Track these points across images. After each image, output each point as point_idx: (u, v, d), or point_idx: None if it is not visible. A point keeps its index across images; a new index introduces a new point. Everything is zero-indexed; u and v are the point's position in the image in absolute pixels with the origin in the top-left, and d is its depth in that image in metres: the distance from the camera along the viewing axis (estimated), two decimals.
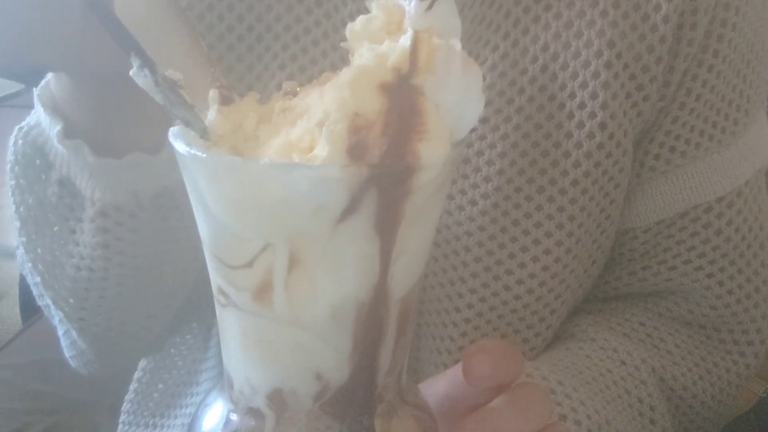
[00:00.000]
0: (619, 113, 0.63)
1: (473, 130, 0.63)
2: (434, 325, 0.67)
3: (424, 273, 0.63)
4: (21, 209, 0.65)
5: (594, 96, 0.62)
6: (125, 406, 0.85)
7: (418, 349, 0.69)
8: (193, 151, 0.38)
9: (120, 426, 0.84)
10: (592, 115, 0.63)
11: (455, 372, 0.46)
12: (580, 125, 0.63)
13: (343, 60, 0.40)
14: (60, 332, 0.75)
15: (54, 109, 0.60)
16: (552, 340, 0.70)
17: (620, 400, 0.64)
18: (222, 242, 0.40)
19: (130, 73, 0.38)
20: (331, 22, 0.66)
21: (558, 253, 0.65)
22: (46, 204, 0.64)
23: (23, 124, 0.65)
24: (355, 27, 0.40)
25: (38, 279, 0.68)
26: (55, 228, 0.65)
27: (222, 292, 0.41)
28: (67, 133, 0.59)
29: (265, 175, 0.37)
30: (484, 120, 0.63)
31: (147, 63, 0.37)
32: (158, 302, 0.71)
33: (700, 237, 0.68)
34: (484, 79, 0.63)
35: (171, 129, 0.40)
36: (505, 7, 0.63)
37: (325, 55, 0.66)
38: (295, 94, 0.42)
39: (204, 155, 0.38)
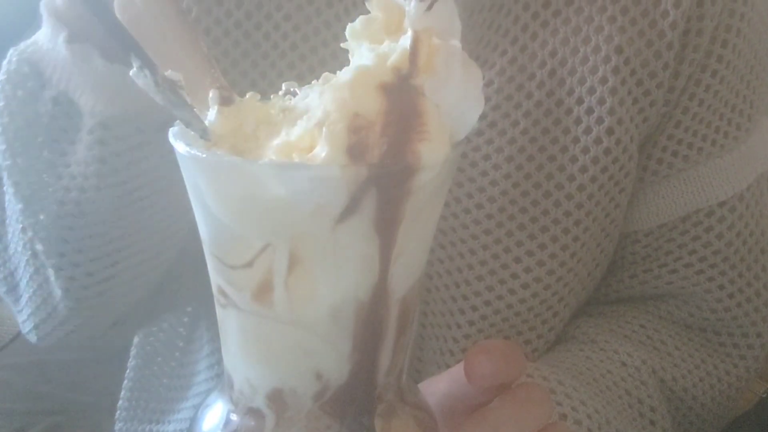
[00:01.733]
0: (626, 119, 0.64)
1: (480, 133, 0.63)
2: (438, 327, 0.67)
3: (425, 273, 0.63)
4: (9, 132, 0.62)
5: (601, 101, 0.63)
6: (119, 414, 0.85)
7: (422, 350, 0.69)
8: (193, 152, 0.38)
9: None
10: (600, 120, 0.63)
11: (456, 371, 0.46)
12: (588, 130, 0.63)
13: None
14: (26, 295, 0.69)
15: (58, 19, 0.58)
16: (554, 341, 0.70)
17: (620, 401, 0.64)
18: (222, 242, 0.40)
19: (131, 73, 0.38)
20: (341, 24, 0.66)
21: (563, 257, 0.65)
22: (36, 125, 0.61)
23: (20, 45, 0.63)
24: (355, 27, 0.40)
25: (19, 207, 0.63)
26: (45, 152, 0.62)
27: (222, 292, 0.41)
28: (73, 40, 0.57)
29: (264, 175, 0.37)
30: (491, 124, 0.63)
31: (147, 63, 0.37)
32: (145, 251, 0.67)
33: (701, 241, 0.68)
34: (493, 83, 0.64)
35: (171, 129, 0.40)
36: (513, 13, 0.64)
37: (335, 56, 0.66)
38: (295, 94, 0.42)
39: (204, 155, 0.38)
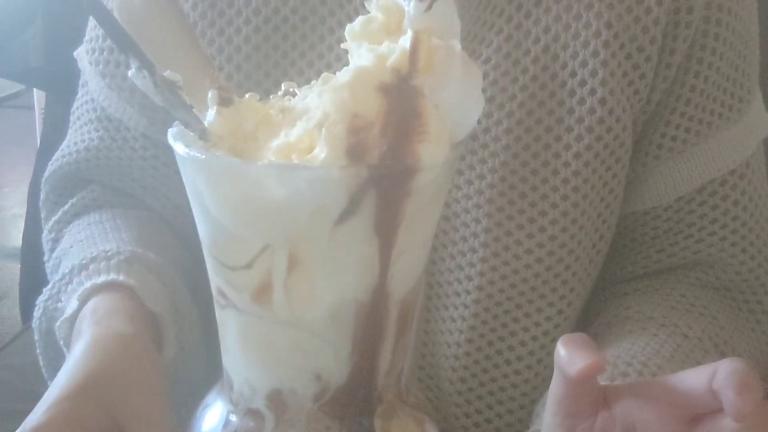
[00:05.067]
0: (617, 90, 0.67)
1: None
2: (445, 296, 0.69)
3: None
4: None
5: (594, 73, 0.66)
6: None
7: (428, 321, 0.71)
8: (192, 153, 0.38)
9: None
10: (593, 91, 0.66)
11: (695, 379, 0.47)
12: (582, 101, 0.66)
13: None
14: None
15: None
16: (576, 317, 0.72)
17: None
18: (221, 243, 0.40)
19: (129, 74, 0.38)
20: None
21: (564, 223, 0.68)
22: None
23: None
24: (354, 28, 0.40)
25: None
26: None
27: (221, 293, 0.41)
28: None
29: (264, 176, 0.37)
30: (490, 98, 0.67)
31: (146, 64, 0.37)
32: None
33: (720, 209, 0.72)
34: (490, 60, 0.66)
35: (170, 130, 0.40)
36: None
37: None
38: (294, 94, 0.42)
39: (203, 156, 0.38)
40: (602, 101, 0.66)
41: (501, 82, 0.66)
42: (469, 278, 0.68)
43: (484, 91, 0.65)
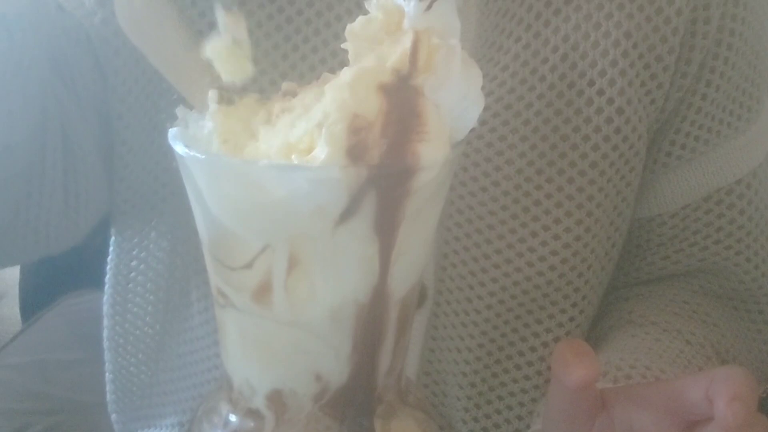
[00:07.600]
0: (635, 99, 0.67)
1: (496, 115, 0.66)
2: (456, 302, 0.69)
3: (441, 253, 0.64)
4: None
5: (612, 83, 0.66)
6: (110, 407, 0.84)
7: (436, 328, 0.70)
8: (192, 153, 0.38)
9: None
10: (611, 101, 0.66)
11: (699, 387, 0.46)
12: (599, 111, 0.66)
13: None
14: None
15: None
16: (588, 325, 0.72)
17: None
18: (221, 243, 0.40)
19: None
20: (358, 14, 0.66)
21: (578, 231, 0.68)
22: None
23: None
24: (354, 27, 0.40)
25: None
26: None
27: (221, 293, 0.41)
28: None
29: (264, 176, 0.37)
30: (507, 106, 0.66)
31: None
32: None
33: (726, 218, 0.72)
34: (508, 67, 0.66)
35: (170, 130, 0.40)
36: (527, 1, 0.67)
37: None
38: (294, 94, 0.42)
39: (203, 156, 0.38)
40: (619, 111, 0.66)
41: (518, 91, 0.66)
42: (482, 284, 0.68)
43: (500, 98, 0.66)
